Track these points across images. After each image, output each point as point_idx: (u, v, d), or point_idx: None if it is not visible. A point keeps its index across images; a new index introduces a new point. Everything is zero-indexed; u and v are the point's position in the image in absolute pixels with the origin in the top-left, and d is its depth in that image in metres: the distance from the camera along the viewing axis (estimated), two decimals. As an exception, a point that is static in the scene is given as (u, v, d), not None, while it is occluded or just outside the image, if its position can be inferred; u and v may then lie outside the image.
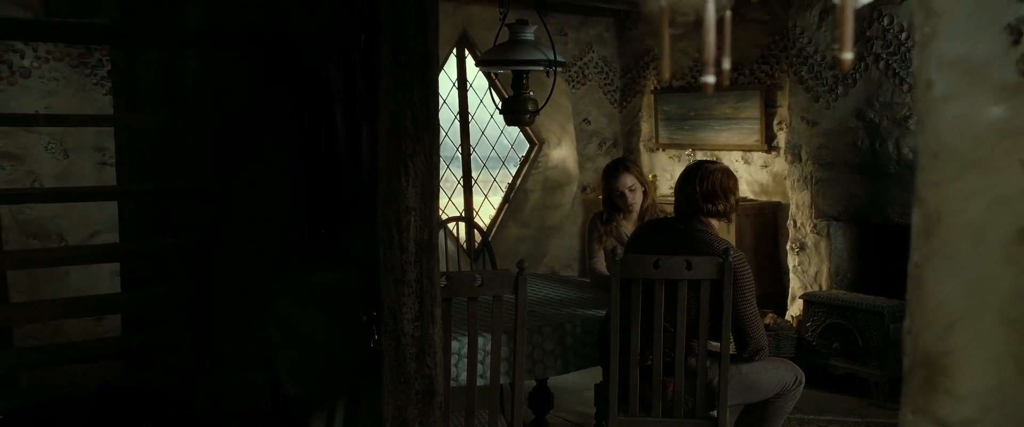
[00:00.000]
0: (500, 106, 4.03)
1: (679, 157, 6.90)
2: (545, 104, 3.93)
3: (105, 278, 5.01)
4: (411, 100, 2.17)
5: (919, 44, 1.11)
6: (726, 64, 1.00)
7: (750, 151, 6.38)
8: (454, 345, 3.13)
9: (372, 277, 2.27)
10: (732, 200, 3.31)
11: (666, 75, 0.89)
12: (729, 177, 3.33)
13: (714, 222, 3.34)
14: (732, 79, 6.45)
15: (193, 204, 2.96)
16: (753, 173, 6.41)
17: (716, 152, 6.59)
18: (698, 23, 0.94)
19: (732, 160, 6.50)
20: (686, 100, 6.77)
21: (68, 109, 5.13)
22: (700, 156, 6.71)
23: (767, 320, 5.48)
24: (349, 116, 2.29)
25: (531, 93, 3.98)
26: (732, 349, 3.26)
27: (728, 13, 0.97)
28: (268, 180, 2.56)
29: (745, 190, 6.40)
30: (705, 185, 3.27)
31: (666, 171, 7.00)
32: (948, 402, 1.13)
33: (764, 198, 6.33)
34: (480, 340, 3.13)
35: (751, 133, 6.30)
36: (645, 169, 7.12)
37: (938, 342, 1.13)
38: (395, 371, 2.25)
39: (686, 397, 3.24)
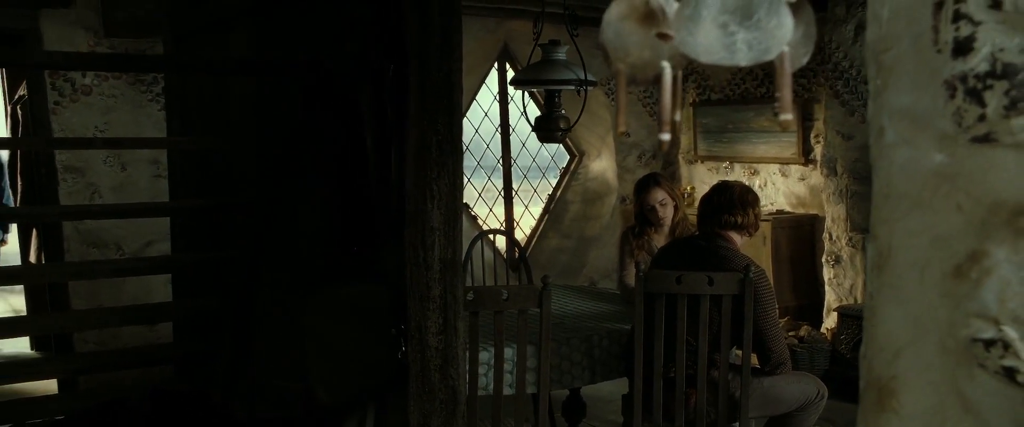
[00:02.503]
0: (533, 124, 4.16)
1: (717, 169, 6.97)
2: (576, 122, 4.05)
3: (159, 284, 5.25)
4: (436, 127, 2.31)
5: (872, 94, 1.21)
6: (678, 117, 1.12)
7: (787, 164, 6.42)
8: (483, 356, 3.26)
9: (400, 293, 2.41)
10: (751, 214, 3.40)
11: (622, 129, 0.99)
12: (748, 192, 3.44)
13: (736, 237, 3.43)
14: (770, 92, 6.50)
15: (238, 219, 3.15)
16: (790, 186, 6.45)
17: (754, 164, 6.64)
18: (656, 80, 1.07)
19: (770, 173, 6.54)
20: (724, 113, 6.83)
21: (126, 125, 5.40)
22: (738, 168, 6.77)
23: (801, 332, 5.52)
24: (379, 140, 2.44)
25: (563, 111, 4.10)
26: (754, 363, 3.35)
27: (680, 72, 1.09)
28: (305, 199, 2.72)
29: (782, 203, 6.45)
30: (723, 196, 3.39)
31: (705, 183, 7.05)
32: (895, 421, 1.23)
33: (801, 211, 6.36)
34: (509, 351, 3.26)
35: (788, 146, 6.35)
36: (684, 181, 7.19)
37: (887, 367, 1.23)
38: (420, 381, 2.39)
39: (708, 409, 3.33)
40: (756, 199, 3.47)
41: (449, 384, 2.41)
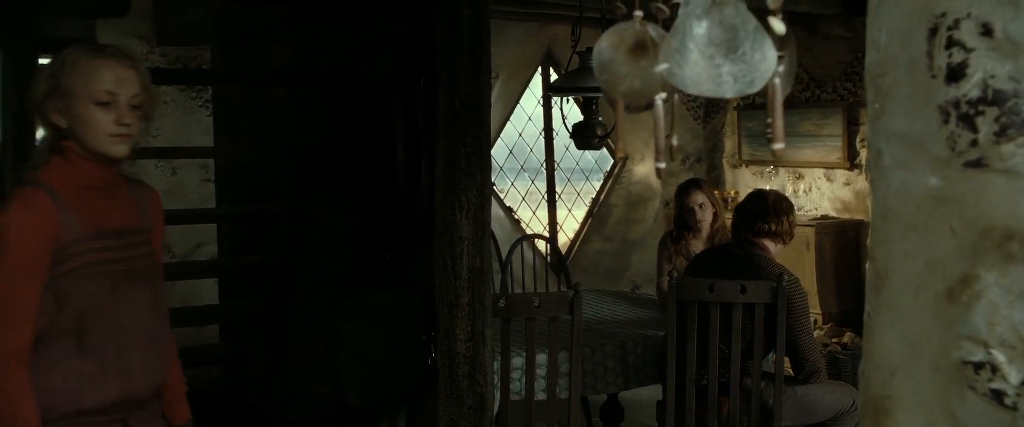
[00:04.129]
0: (571, 131, 4.19)
1: (761, 173, 6.92)
2: (613, 129, 4.07)
3: (208, 285, 5.39)
4: (464, 140, 2.36)
5: (870, 118, 1.23)
6: (675, 141, 1.15)
7: (832, 168, 6.36)
8: (517, 362, 3.30)
9: (430, 300, 2.47)
10: (786, 222, 3.40)
11: (620, 153, 1.01)
12: (782, 200, 3.44)
13: (770, 245, 3.43)
14: (815, 96, 6.44)
15: (277, 226, 3.24)
16: (835, 191, 6.39)
17: (799, 169, 6.59)
18: (649, 105, 1.10)
19: (814, 177, 6.49)
20: (769, 117, 6.77)
21: (176, 130, 5.56)
22: (783, 173, 6.72)
23: (845, 339, 5.47)
24: (409, 153, 2.50)
25: (601, 118, 4.13)
26: (789, 371, 3.35)
27: (676, 97, 1.12)
28: (339, 208, 2.79)
29: (826, 208, 6.38)
30: (757, 204, 3.40)
31: (749, 187, 7.01)
32: (890, 440, 1.24)
33: (846, 216, 6.29)
34: (543, 357, 3.30)
35: (833, 150, 6.28)
36: (727, 186, 7.16)
37: (883, 386, 1.25)
38: (449, 387, 2.45)
39: (741, 417, 3.34)
40: (791, 207, 3.46)
41: (477, 390, 2.46)
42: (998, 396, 1.09)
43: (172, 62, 5.55)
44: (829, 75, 6.28)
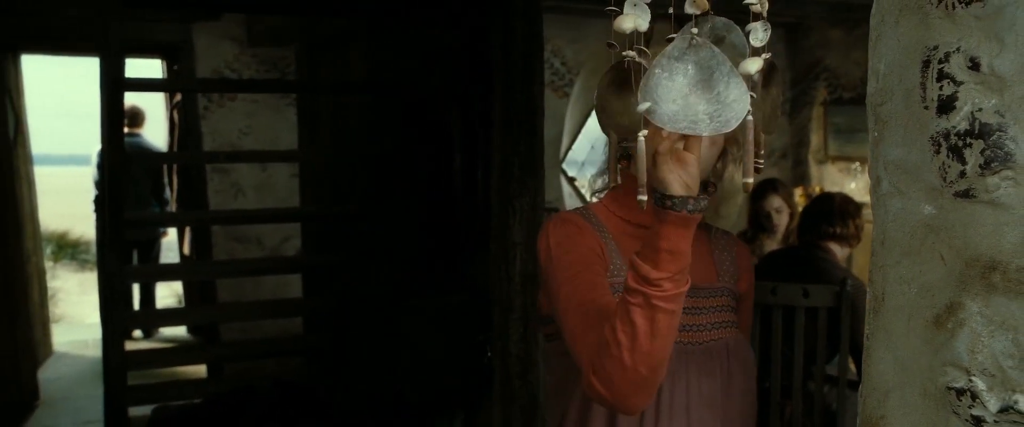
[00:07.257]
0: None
1: (848, 170, 6.79)
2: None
3: (295, 279, 5.63)
4: (518, 149, 2.45)
5: (870, 145, 1.27)
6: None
7: (921, 166, 6.18)
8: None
9: (486, 303, 2.57)
10: (852, 225, 3.36)
11: (612, 184, 1.03)
12: (849, 202, 3.40)
13: (836, 248, 3.40)
14: (904, 91, 6.27)
15: (351, 227, 3.38)
16: (924, 188, 6.21)
17: (886, 166, 6.44)
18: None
19: (903, 174, 6.34)
20: (858, 113, 6.63)
21: (265, 128, 5.83)
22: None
23: (929, 341, 5.34)
24: (466, 161, 2.60)
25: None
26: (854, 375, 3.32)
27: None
28: (403, 212, 2.91)
29: (914, 206, 6.23)
30: (823, 207, 3.37)
31: (835, 184, 6.89)
32: (882, 459, 1.28)
33: (935, 214, 6.11)
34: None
35: (922, 147, 6.11)
36: (813, 182, 7.04)
37: (877, 407, 1.29)
38: (503, 387, 2.54)
39: (804, 420, 3.33)
40: (858, 209, 3.42)
41: (529, 390, 2.55)
42: (978, 423, 1.12)
43: (263, 62, 5.80)
44: (919, 70, 6.11)
